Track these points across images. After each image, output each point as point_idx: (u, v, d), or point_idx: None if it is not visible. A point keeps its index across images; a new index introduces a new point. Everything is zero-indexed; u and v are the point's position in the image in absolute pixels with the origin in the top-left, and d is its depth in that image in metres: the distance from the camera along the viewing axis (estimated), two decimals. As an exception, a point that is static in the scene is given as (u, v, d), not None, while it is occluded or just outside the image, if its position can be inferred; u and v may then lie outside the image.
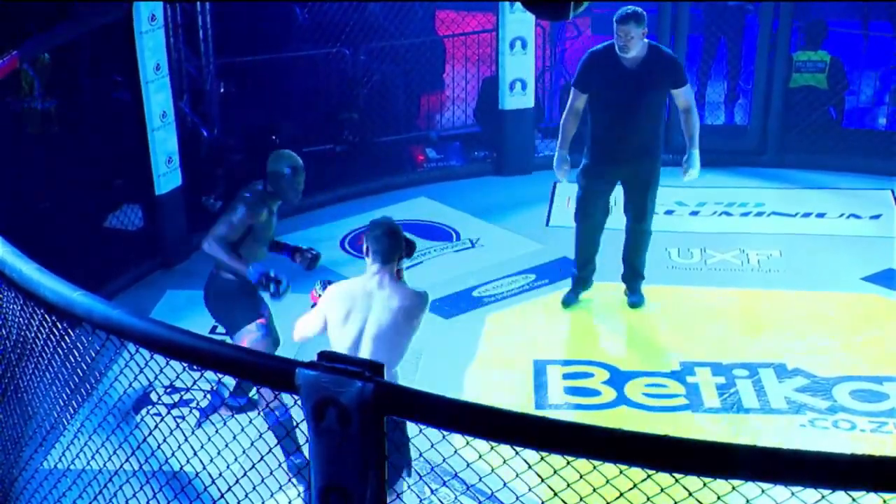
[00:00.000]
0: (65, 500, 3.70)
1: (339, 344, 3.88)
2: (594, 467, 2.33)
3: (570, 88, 5.91)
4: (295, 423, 4.58)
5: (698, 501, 2.43)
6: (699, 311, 6.08)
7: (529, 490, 2.77)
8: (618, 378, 5.44)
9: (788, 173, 7.94)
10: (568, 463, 2.39)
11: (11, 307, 3.51)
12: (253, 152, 7.37)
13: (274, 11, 7.90)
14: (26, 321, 3.44)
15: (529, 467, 2.58)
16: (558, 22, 8.24)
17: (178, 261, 6.72)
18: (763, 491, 2.28)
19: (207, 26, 7.41)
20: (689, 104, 5.73)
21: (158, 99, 6.48)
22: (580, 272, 6.05)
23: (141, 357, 2.97)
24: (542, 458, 2.38)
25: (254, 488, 3.50)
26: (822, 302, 6.16)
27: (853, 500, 2.19)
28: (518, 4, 6.58)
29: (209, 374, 4.30)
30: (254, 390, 4.88)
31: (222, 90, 7.75)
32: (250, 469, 2.99)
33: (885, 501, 2.18)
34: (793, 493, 2.20)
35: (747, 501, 2.48)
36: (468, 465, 2.80)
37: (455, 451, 2.71)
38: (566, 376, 5.49)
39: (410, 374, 4.66)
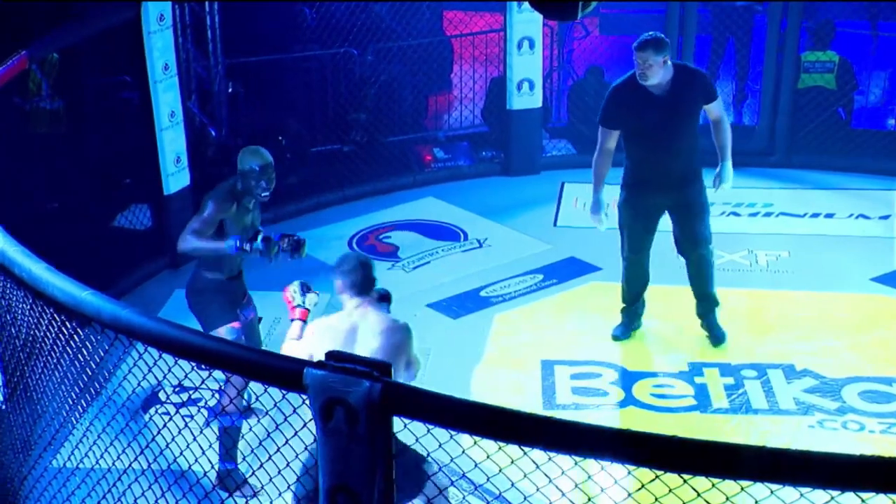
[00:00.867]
0: (74, 499, 3.71)
1: None
2: (602, 468, 2.33)
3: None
4: (240, 436, 4.59)
5: (706, 502, 2.43)
6: (707, 312, 6.06)
7: (537, 490, 2.77)
8: (626, 378, 5.44)
9: (797, 174, 7.93)
10: (576, 463, 2.39)
11: (21, 306, 3.52)
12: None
13: (282, 12, 7.91)
14: (35, 320, 3.45)
15: (537, 467, 2.58)
16: (566, 22, 8.23)
17: (186, 261, 6.72)
18: (772, 492, 2.27)
19: (216, 26, 7.43)
20: (721, 116, 5.48)
21: (167, 99, 6.50)
22: (630, 306, 5.77)
23: (149, 356, 2.98)
24: (549, 459, 2.38)
25: (262, 487, 3.50)
26: (830, 303, 6.15)
27: (862, 501, 2.18)
28: (526, 4, 6.58)
29: (217, 374, 4.30)
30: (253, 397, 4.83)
31: (230, 90, 7.76)
32: (258, 469, 2.99)
33: (894, 502, 2.18)
34: (802, 495, 2.20)
35: (756, 502, 2.47)
36: (476, 465, 2.80)
37: (463, 451, 2.71)
38: (574, 376, 5.48)
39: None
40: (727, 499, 2.36)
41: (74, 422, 3.76)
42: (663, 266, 6.24)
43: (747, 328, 5.91)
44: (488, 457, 2.62)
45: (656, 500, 2.48)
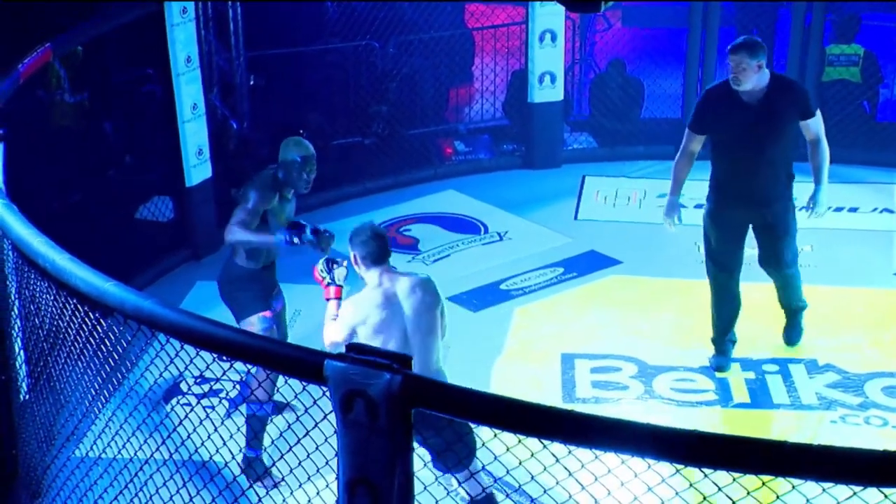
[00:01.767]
0: (96, 489, 3.74)
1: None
2: (622, 461, 2.32)
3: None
4: (268, 422, 4.60)
5: (727, 496, 2.42)
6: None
7: (557, 483, 2.76)
8: (646, 372, 5.42)
9: (820, 167, 7.85)
10: (596, 457, 2.39)
11: (45, 297, 3.55)
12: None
13: (304, 5, 7.92)
14: (59, 311, 3.48)
15: (557, 461, 2.57)
16: (589, 14, 8.20)
17: (208, 252, 6.76)
18: (794, 487, 2.26)
19: (238, 19, 7.45)
20: (818, 135, 5.13)
21: (189, 91, 6.52)
22: (721, 337, 5.42)
23: (171, 347, 3.00)
24: (569, 452, 2.38)
25: (283, 479, 3.51)
26: (853, 297, 6.10)
27: (886, 496, 2.17)
28: (548, -3, 6.56)
29: (238, 365, 4.32)
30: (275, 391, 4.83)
31: (252, 83, 7.78)
32: (279, 459, 3.01)
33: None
34: (824, 490, 2.19)
35: (778, 497, 2.46)
36: (496, 458, 2.80)
37: (482, 444, 2.71)
38: (594, 370, 5.47)
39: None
40: (748, 493, 2.36)
41: (97, 412, 3.79)
42: (683, 261, 6.22)
43: (769, 323, 5.87)
44: (508, 450, 2.62)
45: (676, 493, 2.47)
